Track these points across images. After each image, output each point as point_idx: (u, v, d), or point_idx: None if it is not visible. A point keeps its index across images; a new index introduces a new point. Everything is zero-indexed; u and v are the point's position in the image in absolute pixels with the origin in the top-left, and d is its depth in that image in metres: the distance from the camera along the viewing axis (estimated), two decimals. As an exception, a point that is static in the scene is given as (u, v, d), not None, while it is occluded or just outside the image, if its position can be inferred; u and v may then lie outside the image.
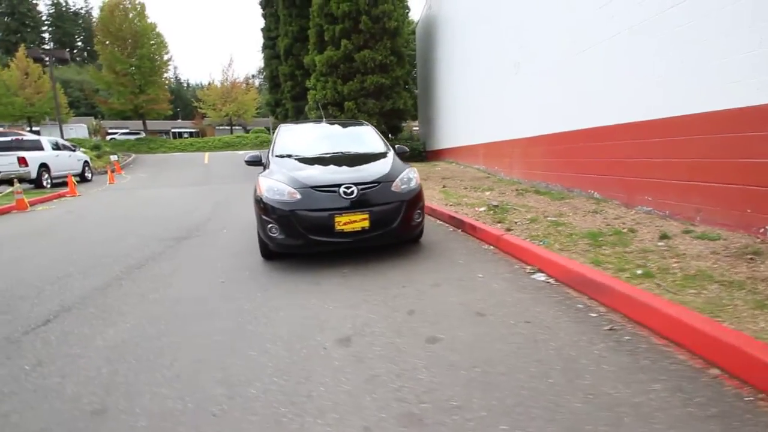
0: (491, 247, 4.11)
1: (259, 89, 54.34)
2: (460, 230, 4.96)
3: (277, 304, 2.89)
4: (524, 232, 4.25)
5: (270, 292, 3.14)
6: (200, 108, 42.47)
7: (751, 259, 2.95)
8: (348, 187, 3.57)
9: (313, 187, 3.60)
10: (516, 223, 4.78)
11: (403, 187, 3.84)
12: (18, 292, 3.44)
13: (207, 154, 25.48)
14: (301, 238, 3.54)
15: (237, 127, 48.27)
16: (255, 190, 4.00)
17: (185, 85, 72.71)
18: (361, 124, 5.52)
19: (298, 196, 3.57)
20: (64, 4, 65.08)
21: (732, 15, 3.49)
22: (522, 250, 3.59)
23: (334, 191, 3.57)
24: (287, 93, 19.64)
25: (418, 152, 15.12)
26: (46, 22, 61.70)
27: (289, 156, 4.43)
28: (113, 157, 17.86)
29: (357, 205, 3.55)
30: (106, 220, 7.25)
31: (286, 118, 22.16)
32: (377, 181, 3.74)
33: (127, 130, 40.53)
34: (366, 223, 3.55)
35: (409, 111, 16.49)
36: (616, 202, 5.07)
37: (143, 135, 35.18)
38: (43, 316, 2.90)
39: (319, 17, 15.05)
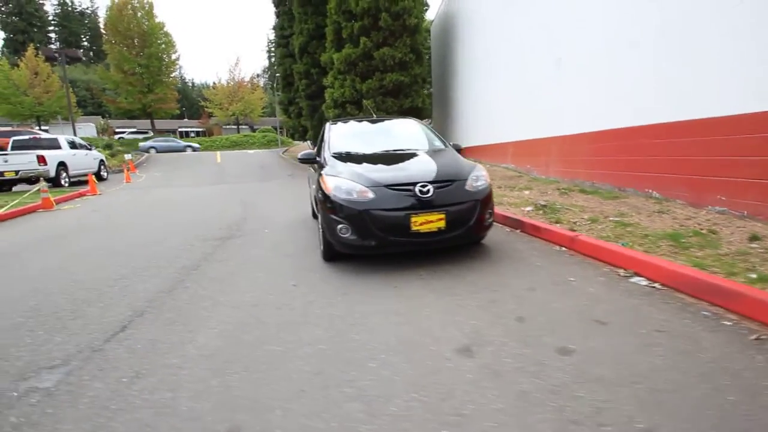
0: (563, 248, 3.93)
1: (265, 89, 54.30)
2: (518, 230, 4.78)
3: (364, 310, 2.71)
4: (590, 233, 4.07)
5: (350, 297, 2.97)
6: (207, 107, 42.45)
7: None
8: (423, 186, 3.39)
9: (386, 186, 3.42)
10: (575, 223, 4.59)
11: (475, 185, 3.66)
12: (79, 296, 3.28)
13: (218, 153, 25.39)
14: (374, 239, 3.36)
15: (243, 127, 48.21)
16: (318, 189, 3.83)
17: (190, 84, 72.67)
18: (409, 120, 5.31)
19: (371, 195, 3.39)
20: (70, 3, 65.09)
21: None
22: (606, 252, 3.41)
23: (410, 190, 3.38)
24: (302, 91, 19.41)
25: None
26: (52, 22, 61.66)
27: (348, 154, 4.26)
28: (128, 156, 17.71)
29: (433, 204, 3.38)
30: (136, 219, 7.10)
31: (299, 117, 21.97)
32: (451, 180, 3.56)
33: (134, 129, 40.50)
34: (442, 224, 3.37)
35: (427, 110, 16.31)
36: (681, 202, 4.87)
37: (151, 134, 35.13)
38: (118, 321, 2.73)
39: (336, 14, 14.87)
